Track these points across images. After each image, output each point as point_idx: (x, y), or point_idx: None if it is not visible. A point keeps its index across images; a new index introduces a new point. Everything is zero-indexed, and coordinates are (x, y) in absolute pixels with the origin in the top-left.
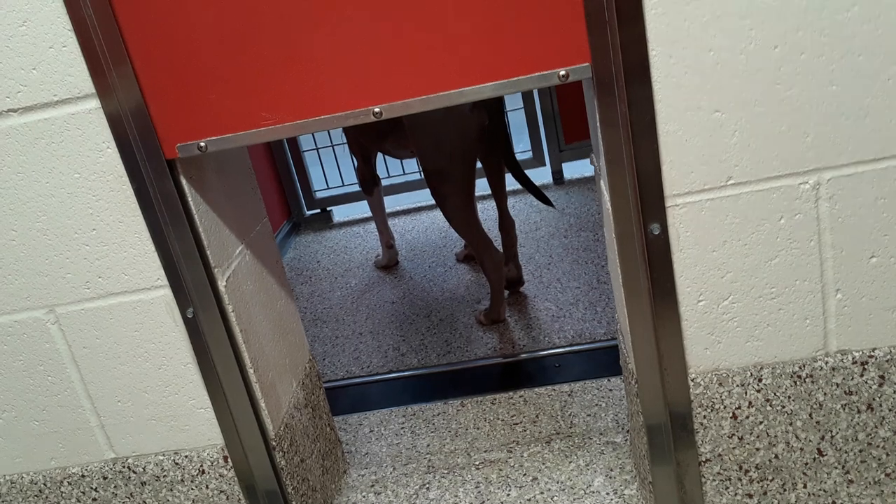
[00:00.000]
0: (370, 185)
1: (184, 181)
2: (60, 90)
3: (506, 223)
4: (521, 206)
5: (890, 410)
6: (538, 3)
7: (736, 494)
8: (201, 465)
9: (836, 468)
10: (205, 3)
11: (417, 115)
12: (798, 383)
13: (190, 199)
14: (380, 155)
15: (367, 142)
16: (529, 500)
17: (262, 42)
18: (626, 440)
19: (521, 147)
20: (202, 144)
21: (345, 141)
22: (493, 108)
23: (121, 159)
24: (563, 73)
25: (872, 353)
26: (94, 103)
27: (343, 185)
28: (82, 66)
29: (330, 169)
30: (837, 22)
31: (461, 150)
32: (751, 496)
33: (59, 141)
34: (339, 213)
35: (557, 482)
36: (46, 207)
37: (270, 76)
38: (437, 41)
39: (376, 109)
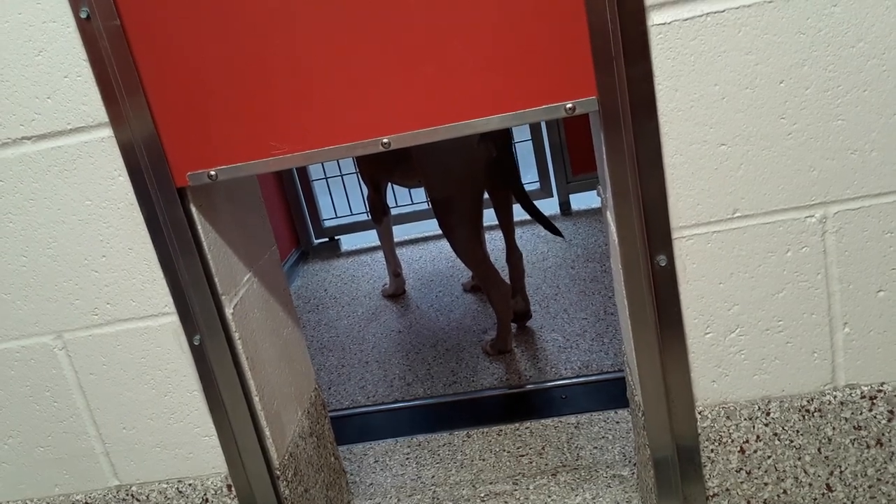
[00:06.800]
0: (380, 214)
1: (193, 209)
2: (74, 118)
3: (513, 255)
4: (528, 237)
5: None
6: (546, 36)
7: None
8: (205, 494)
9: None
10: (217, 36)
11: (425, 146)
12: (806, 417)
13: (199, 226)
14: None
15: (376, 171)
16: None
17: (273, 73)
18: (633, 473)
19: (529, 178)
20: (213, 173)
21: (354, 170)
22: (501, 140)
23: (132, 187)
24: (569, 105)
25: (881, 388)
26: (107, 132)
27: (351, 214)
28: (96, 96)
29: (338, 198)
30: (843, 57)
31: (468, 181)
32: None
33: (72, 168)
34: (347, 241)
35: None
36: (57, 234)
37: (280, 106)
38: (445, 73)
39: (384, 140)
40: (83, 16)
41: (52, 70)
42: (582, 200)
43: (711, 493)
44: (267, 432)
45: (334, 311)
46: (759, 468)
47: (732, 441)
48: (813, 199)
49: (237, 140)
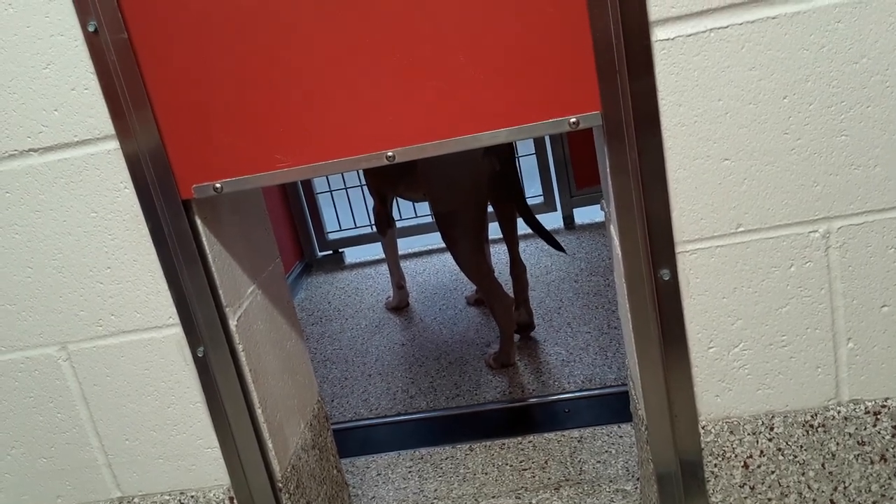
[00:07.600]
0: (385, 227)
1: (198, 221)
2: (81, 131)
3: (517, 268)
4: (532, 250)
5: None
6: (551, 52)
7: None
8: None
9: None
10: (223, 50)
11: (430, 159)
12: (810, 433)
13: (204, 238)
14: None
15: (382, 184)
16: None
17: (278, 86)
18: (636, 488)
19: (533, 192)
20: (218, 185)
21: (358, 183)
22: (504, 154)
23: (137, 199)
24: (573, 120)
25: (885, 403)
26: (114, 144)
27: (355, 227)
28: (103, 108)
29: (343, 211)
30: (846, 73)
31: (472, 194)
32: None
33: (78, 180)
34: (351, 254)
35: None
36: (62, 245)
37: (285, 120)
38: (450, 87)
39: (389, 153)
40: (91, 29)
41: (59, 83)
42: (586, 214)
43: None
44: (269, 444)
45: (338, 324)
46: (762, 483)
47: (736, 456)
48: (817, 214)
49: (242, 153)
